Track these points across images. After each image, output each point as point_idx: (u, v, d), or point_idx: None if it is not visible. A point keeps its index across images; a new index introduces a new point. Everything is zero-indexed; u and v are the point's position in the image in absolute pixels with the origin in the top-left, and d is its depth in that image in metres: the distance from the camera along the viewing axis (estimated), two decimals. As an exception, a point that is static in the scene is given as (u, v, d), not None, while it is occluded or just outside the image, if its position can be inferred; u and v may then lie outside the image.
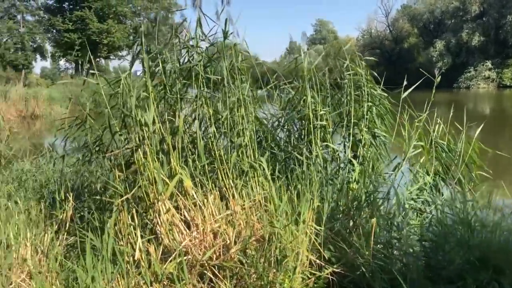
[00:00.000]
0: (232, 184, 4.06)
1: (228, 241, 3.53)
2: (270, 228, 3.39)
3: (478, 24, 66.25)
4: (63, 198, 6.53)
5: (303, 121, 5.11)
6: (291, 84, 5.70)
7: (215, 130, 4.40)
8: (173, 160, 3.87)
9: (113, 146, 4.34)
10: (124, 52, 55.07)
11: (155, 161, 3.72)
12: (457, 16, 70.18)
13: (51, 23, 51.82)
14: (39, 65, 66.28)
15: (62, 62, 56.65)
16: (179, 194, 3.85)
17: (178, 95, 4.40)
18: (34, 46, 60.22)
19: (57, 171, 7.51)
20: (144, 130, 3.81)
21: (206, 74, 4.61)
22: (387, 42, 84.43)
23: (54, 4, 52.98)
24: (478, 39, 65.18)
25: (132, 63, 5.56)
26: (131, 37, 50.70)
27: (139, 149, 3.86)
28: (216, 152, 4.23)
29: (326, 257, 3.50)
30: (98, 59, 55.08)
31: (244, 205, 3.84)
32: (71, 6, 50.60)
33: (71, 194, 4.71)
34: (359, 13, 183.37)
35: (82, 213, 4.53)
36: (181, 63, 4.94)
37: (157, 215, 3.73)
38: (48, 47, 58.95)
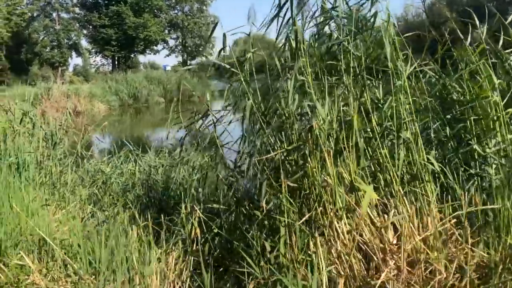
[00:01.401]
0: (400, 192, 3.12)
1: (441, 275, 2.59)
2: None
3: (523, 6, 63.10)
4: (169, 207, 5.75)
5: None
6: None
7: (376, 121, 3.45)
8: (351, 165, 2.94)
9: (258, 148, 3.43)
10: (159, 47, 54.90)
11: (334, 167, 2.81)
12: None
13: (87, 19, 51.91)
14: (75, 62, 66.65)
15: (98, 58, 56.85)
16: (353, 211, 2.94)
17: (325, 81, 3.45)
18: (70, 43, 60.68)
19: (144, 172, 6.76)
20: (317, 126, 2.89)
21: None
22: (422, 28, 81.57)
23: (90, 0, 53.01)
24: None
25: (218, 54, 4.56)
26: (166, 31, 50.38)
27: (307, 150, 2.95)
28: (382, 151, 3.29)
29: None
30: (134, 54, 55.09)
31: (444, 220, 2.90)
32: (106, 1, 50.47)
33: (197, 205, 3.86)
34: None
35: (213, 231, 3.66)
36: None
37: (332, 239, 2.84)
38: (84, 44, 59.30)
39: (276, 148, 3.29)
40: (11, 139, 7.23)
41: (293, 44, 3.42)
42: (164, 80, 41.55)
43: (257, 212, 3.39)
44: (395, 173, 3.24)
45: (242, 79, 3.52)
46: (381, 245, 2.90)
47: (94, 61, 58.10)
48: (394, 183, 3.20)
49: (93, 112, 32.27)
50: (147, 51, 52.97)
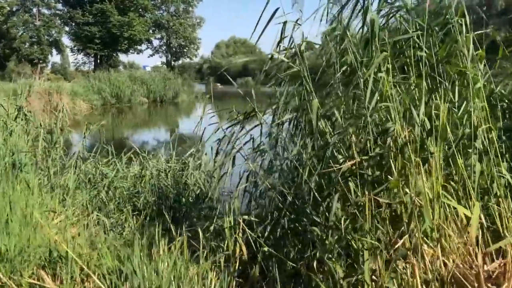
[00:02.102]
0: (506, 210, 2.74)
1: None
2: None
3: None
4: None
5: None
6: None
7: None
8: (440, 177, 2.52)
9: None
10: (143, 46, 53.89)
11: (425, 180, 2.38)
12: None
13: (70, 16, 50.61)
14: (53, 59, 65.07)
15: (80, 56, 55.47)
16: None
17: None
18: (50, 40, 59.22)
19: (152, 176, 6.22)
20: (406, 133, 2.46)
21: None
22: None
23: (74, -3, 51.83)
24: None
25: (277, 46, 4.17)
26: (151, 31, 49.48)
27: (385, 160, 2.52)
28: (459, 161, 2.89)
29: None
30: (116, 53, 53.96)
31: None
32: (90, -1, 49.42)
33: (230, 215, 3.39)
34: None
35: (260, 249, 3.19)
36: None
37: (418, 264, 2.41)
38: (67, 41, 57.96)
39: (342, 156, 2.85)
40: (3, 137, 6.62)
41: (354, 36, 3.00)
42: (147, 80, 40.73)
43: (316, 229, 2.96)
44: (471, 186, 2.85)
45: (303, 76, 3.06)
46: (474, 271, 2.49)
47: (75, 59, 56.77)
48: (472, 198, 2.81)
49: (75, 111, 31.32)
50: (131, 50, 52.00)
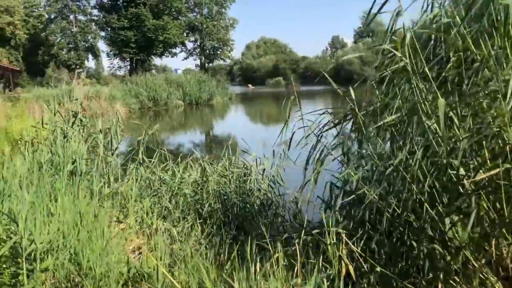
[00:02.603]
0: None
1: None
2: None
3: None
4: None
5: None
6: None
7: None
8: None
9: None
10: (177, 49, 54.32)
11: None
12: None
13: (106, 21, 51.54)
14: (90, 64, 66.50)
15: (115, 61, 56.43)
16: None
17: None
18: (86, 45, 60.56)
19: (214, 182, 5.95)
20: None
21: None
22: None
23: (109, 2, 52.65)
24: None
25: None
26: (185, 34, 49.73)
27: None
28: None
29: None
30: (150, 57, 54.58)
31: None
32: (125, 3, 50.02)
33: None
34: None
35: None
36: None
37: None
38: (102, 46, 59.08)
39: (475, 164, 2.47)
40: (61, 144, 6.50)
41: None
42: (183, 82, 40.92)
43: (437, 247, 2.59)
44: None
45: (412, 70, 2.70)
46: None
47: (111, 63, 57.75)
48: None
49: (114, 115, 31.64)
50: (165, 54, 52.51)
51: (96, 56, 62.10)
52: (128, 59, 51.95)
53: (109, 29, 52.12)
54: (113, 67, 58.07)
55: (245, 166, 6.03)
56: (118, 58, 54.79)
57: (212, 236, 5.14)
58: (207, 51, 56.77)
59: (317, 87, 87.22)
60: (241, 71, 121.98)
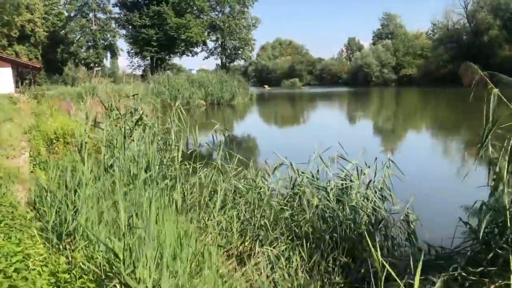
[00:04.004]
0: None
1: None
2: None
3: None
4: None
5: None
6: None
7: None
8: None
9: None
10: (198, 49, 53.46)
11: None
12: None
13: (127, 19, 50.93)
14: (107, 63, 66.04)
15: (135, 59, 55.83)
16: None
17: None
18: (105, 43, 60.19)
19: (314, 197, 5.03)
20: None
21: None
22: (465, 36, 78.52)
23: (130, 0, 51.99)
24: None
25: None
26: (206, 33, 48.87)
27: None
28: None
29: None
30: (170, 56, 53.91)
31: None
32: (147, 1, 49.32)
33: None
34: (425, 7, 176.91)
35: None
36: None
37: None
38: (122, 44, 58.74)
39: None
40: (125, 147, 5.65)
41: None
42: (205, 82, 40.12)
43: None
44: None
45: None
46: None
47: (130, 62, 57.23)
48: None
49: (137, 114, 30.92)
50: (186, 53, 51.71)
51: (114, 54, 61.66)
52: (148, 57, 51.28)
53: (130, 27, 51.51)
54: (133, 66, 57.58)
55: (345, 176, 5.10)
56: (138, 57, 54.18)
57: (315, 263, 4.25)
58: (228, 51, 55.90)
59: (333, 88, 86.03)
60: (256, 72, 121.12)
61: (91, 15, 59.47)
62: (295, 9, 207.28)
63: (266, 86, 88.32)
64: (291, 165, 5.34)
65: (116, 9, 55.52)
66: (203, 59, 62.00)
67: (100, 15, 59.75)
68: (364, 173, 5.10)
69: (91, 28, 58.54)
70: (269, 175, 5.84)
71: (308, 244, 4.38)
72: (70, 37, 59.64)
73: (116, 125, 6.25)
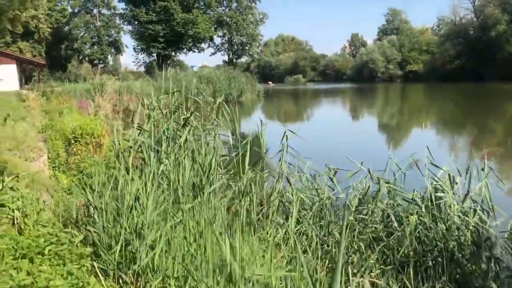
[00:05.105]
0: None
1: None
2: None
3: None
4: None
5: None
6: None
7: None
8: None
9: None
10: (205, 45, 52.55)
11: None
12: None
13: (133, 14, 50.08)
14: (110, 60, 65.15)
15: (141, 56, 54.95)
16: None
17: None
18: (110, 40, 59.43)
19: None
20: None
21: None
22: (472, 31, 77.61)
23: (137, -5, 51.20)
24: None
25: None
26: (213, 28, 47.96)
27: None
28: None
29: None
30: (176, 52, 53.07)
31: None
32: (153, -4, 48.51)
33: None
34: (430, 3, 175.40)
35: None
36: None
37: None
38: (127, 40, 58.02)
39: None
40: (177, 152, 4.91)
41: None
42: (214, 79, 39.35)
43: None
44: None
45: None
46: None
47: (136, 58, 56.43)
48: None
49: (146, 112, 30.18)
50: (193, 49, 50.80)
51: (119, 50, 60.84)
52: (154, 54, 50.46)
53: (136, 23, 50.66)
54: (138, 62, 56.70)
55: (436, 185, 4.35)
56: (144, 53, 53.35)
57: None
58: (235, 46, 55.02)
59: (338, 84, 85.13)
60: (259, 68, 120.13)
61: (95, 11, 58.72)
62: (297, 5, 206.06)
63: (270, 82, 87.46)
64: (369, 172, 4.59)
65: (122, 5, 54.78)
66: (210, 55, 61.26)
67: (104, 11, 58.99)
68: (457, 182, 4.36)
69: (95, 24, 57.76)
70: (333, 182, 5.09)
71: (407, 270, 3.65)
72: (74, 33, 58.89)
73: (157, 126, 5.51)
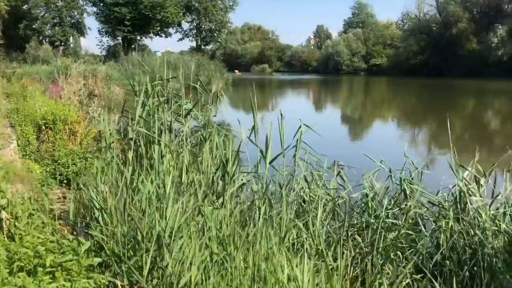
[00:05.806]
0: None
1: None
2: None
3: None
4: None
5: None
6: None
7: None
8: None
9: None
10: (172, 30, 51.12)
11: None
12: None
13: (99, -5, 48.19)
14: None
15: (105, 39, 52.97)
16: None
17: None
18: (72, 21, 57.10)
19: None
20: None
21: None
22: (435, 27, 79.20)
23: (103, -24, 49.15)
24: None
25: None
26: (181, 14, 46.73)
27: None
28: None
29: None
30: (141, 37, 51.49)
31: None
32: (121, -22, 46.68)
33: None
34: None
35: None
36: None
37: None
38: (91, 22, 55.87)
39: None
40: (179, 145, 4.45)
41: None
42: (181, 65, 38.35)
43: None
44: None
45: None
46: None
47: (100, 41, 54.42)
48: None
49: (110, 96, 29.06)
50: (161, 34, 49.35)
51: (82, 33, 58.46)
52: (119, 37, 48.76)
53: (101, 4, 48.70)
54: (102, 46, 54.64)
55: (459, 187, 4.10)
56: (108, 36, 51.44)
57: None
58: (204, 33, 53.89)
59: (304, 75, 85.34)
60: (225, 56, 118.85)
61: (57, -10, 56.12)
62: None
63: (236, 71, 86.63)
64: (390, 171, 4.30)
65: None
66: (178, 41, 59.78)
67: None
68: (482, 185, 4.13)
69: (57, 4, 55.22)
70: (343, 180, 4.79)
71: (442, 280, 3.39)
72: (34, 12, 56.07)
73: (152, 116, 5.03)
